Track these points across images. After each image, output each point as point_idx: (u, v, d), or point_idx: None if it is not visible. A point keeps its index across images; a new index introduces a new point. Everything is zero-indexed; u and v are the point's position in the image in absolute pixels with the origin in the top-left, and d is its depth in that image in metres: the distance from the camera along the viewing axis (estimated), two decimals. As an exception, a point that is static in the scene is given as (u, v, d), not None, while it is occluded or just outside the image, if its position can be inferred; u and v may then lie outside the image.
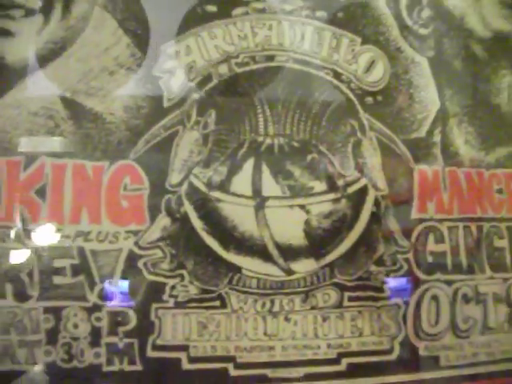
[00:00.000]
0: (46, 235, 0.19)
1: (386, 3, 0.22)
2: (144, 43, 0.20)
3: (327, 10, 0.21)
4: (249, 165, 0.19)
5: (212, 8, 0.21)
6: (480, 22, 0.23)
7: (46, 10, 0.21)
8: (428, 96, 0.21)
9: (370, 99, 0.20)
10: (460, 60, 0.22)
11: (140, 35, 0.20)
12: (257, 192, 0.19)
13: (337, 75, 0.20)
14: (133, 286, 0.18)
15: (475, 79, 0.23)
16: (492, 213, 0.21)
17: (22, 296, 0.18)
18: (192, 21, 0.20)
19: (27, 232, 0.19)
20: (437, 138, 0.21)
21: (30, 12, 0.21)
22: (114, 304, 0.18)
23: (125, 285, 0.18)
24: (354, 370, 0.18)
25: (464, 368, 0.20)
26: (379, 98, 0.20)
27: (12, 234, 0.18)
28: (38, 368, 0.17)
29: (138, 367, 0.18)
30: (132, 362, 0.18)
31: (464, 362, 0.20)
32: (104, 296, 0.18)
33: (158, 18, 0.20)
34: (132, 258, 0.18)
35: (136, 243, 0.18)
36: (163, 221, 0.18)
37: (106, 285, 0.18)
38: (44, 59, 0.20)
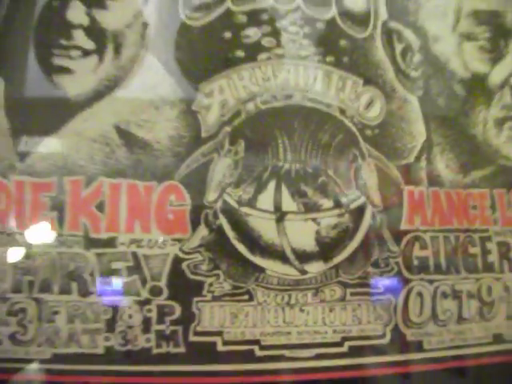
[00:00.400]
0: (104, 242, 0.23)
1: (384, 50, 0.27)
2: (184, 83, 0.25)
3: (335, 55, 0.26)
4: (271, 186, 0.24)
5: (240, 53, 0.26)
6: (461, 65, 0.29)
7: (100, 52, 0.25)
8: (417, 129, 0.27)
9: (369, 132, 0.26)
10: (444, 98, 0.28)
11: (181, 76, 0.25)
12: (278, 208, 0.24)
13: (342, 111, 0.26)
14: (177, 283, 0.23)
15: (456, 114, 0.28)
16: (467, 225, 0.27)
17: (84, 292, 0.23)
18: (224, 64, 0.25)
19: (89, 240, 0.23)
20: (423, 163, 0.26)
21: (86, 53, 0.25)
22: (161, 298, 0.23)
23: (171, 283, 0.23)
24: (354, 352, 0.24)
25: (443, 350, 0.26)
26: (377, 131, 0.26)
27: (77, 241, 0.23)
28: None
29: (182, 349, 0.23)
30: (177, 345, 0.23)
31: (443, 346, 0.26)
32: (153, 292, 0.23)
33: (195, 61, 0.25)
34: (177, 261, 0.23)
35: (180, 249, 0.23)
36: (202, 231, 0.23)
37: (155, 283, 0.23)
38: (100, 94, 0.25)
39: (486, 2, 0.30)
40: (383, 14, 0.28)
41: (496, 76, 0.29)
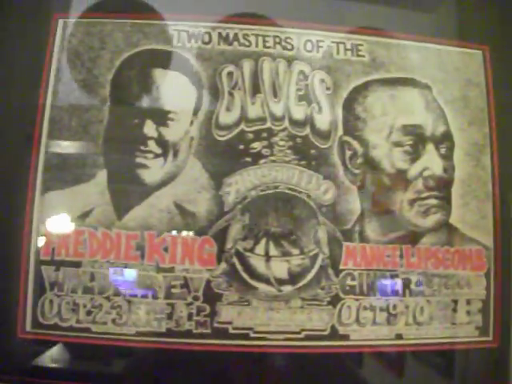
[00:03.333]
0: (167, 269, 0.54)
1: (338, 156, 0.58)
2: (214, 176, 0.55)
3: (306, 160, 0.57)
4: (263, 240, 0.55)
5: (248, 159, 0.56)
6: (389, 164, 0.59)
7: (165, 155, 0.56)
8: (355, 207, 0.57)
9: (324, 209, 0.56)
10: (374, 186, 0.58)
11: (212, 172, 0.55)
12: (266, 253, 0.55)
13: (308, 196, 0.56)
14: (208, 294, 0.53)
15: (382, 197, 0.58)
16: (382, 267, 0.57)
17: (156, 297, 0.54)
18: (238, 166, 0.55)
19: (159, 268, 0.54)
20: (357, 228, 0.57)
21: (156, 155, 0.56)
22: (199, 302, 0.54)
23: (204, 294, 0.54)
24: (308, 338, 0.55)
25: (362, 341, 0.57)
26: (329, 208, 0.56)
27: (151, 268, 0.54)
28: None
29: (209, 331, 0.53)
30: (206, 328, 0.53)
31: (362, 338, 0.57)
32: (195, 298, 0.54)
33: (221, 163, 0.55)
34: (208, 282, 0.54)
35: (210, 275, 0.54)
36: (223, 265, 0.54)
37: (196, 293, 0.54)
38: (165, 182, 0.55)
39: (411, 119, 0.60)
40: (340, 130, 0.59)
41: (413, 171, 0.59)
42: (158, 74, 0.57)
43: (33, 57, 0.58)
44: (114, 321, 0.54)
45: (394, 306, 0.58)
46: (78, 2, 0.59)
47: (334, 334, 0.56)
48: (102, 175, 0.55)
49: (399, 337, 0.58)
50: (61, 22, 0.58)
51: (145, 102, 0.57)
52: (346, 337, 0.56)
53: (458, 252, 0.60)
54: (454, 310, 0.59)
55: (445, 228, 0.60)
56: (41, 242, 0.55)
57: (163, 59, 0.57)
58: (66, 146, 0.56)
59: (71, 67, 0.57)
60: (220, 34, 0.58)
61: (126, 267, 0.54)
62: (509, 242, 0.62)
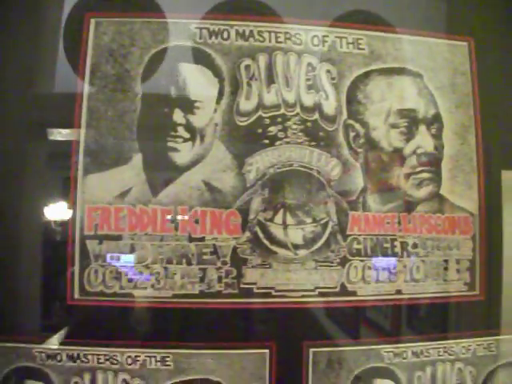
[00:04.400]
0: (198, 239, 0.62)
1: (343, 137, 0.66)
2: (237, 157, 0.63)
3: (316, 141, 0.65)
4: (281, 211, 0.63)
5: (266, 141, 0.65)
6: (387, 143, 0.68)
7: (193, 140, 0.64)
8: (358, 180, 0.66)
9: (332, 183, 0.65)
10: (375, 163, 0.67)
11: (235, 153, 0.63)
12: (284, 222, 0.64)
13: (318, 172, 0.65)
14: (234, 259, 0.62)
15: (381, 171, 0.68)
16: (383, 232, 0.67)
17: (189, 263, 0.62)
18: (258, 148, 0.64)
19: (191, 237, 0.62)
20: (360, 199, 0.66)
21: (185, 140, 0.64)
22: (227, 266, 0.62)
23: (231, 259, 0.62)
24: (321, 295, 0.64)
25: (367, 296, 0.66)
26: (336, 182, 0.65)
27: (185, 238, 0.62)
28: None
29: (236, 291, 0.62)
30: (234, 289, 0.62)
31: (367, 294, 0.66)
32: (223, 263, 0.62)
33: (243, 145, 0.64)
34: (234, 248, 0.63)
35: (236, 242, 0.63)
36: (247, 234, 0.63)
37: (224, 258, 0.62)
38: (194, 163, 0.64)
39: (406, 103, 0.69)
40: (344, 115, 0.67)
41: (408, 149, 0.69)
42: (183, 67, 0.65)
43: (70, 54, 0.65)
44: (152, 286, 0.62)
45: (394, 266, 0.67)
46: (108, 2, 0.66)
47: (343, 291, 0.65)
48: (137, 158, 0.63)
49: (399, 292, 0.67)
50: (93, 21, 0.66)
51: (173, 93, 0.65)
52: (353, 293, 0.66)
53: (448, 218, 0.70)
54: (446, 269, 0.69)
55: (436, 198, 0.69)
56: (84, 219, 0.63)
57: (187, 54, 0.65)
58: (104, 133, 0.64)
59: (105, 62, 0.65)
60: (237, 30, 0.66)
61: (162, 239, 0.63)
62: (492, 208, 0.72)
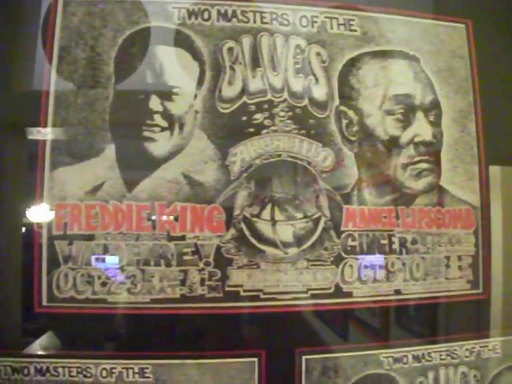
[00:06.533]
0: (178, 238, 0.57)
1: (335, 124, 0.62)
2: (220, 147, 0.58)
3: (306, 129, 0.61)
4: (269, 206, 0.58)
5: (252, 130, 0.60)
6: (383, 131, 0.63)
7: (171, 128, 0.58)
8: (352, 172, 0.62)
9: (324, 175, 0.61)
10: (370, 152, 0.63)
11: (217, 143, 0.58)
12: (272, 218, 0.58)
13: (309, 163, 0.60)
14: (218, 259, 0.57)
15: (377, 162, 0.63)
16: (380, 227, 0.62)
17: (167, 265, 0.57)
18: (242, 137, 0.59)
19: (170, 236, 0.57)
20: (355, 192, 0.61)
21: (162, 129, 0.59)
22: (210, 267, 0.57)
23: (215, 259, 0.57)
24: (314, 297, 0.59)
25: (363, 298, 0.61)
26: (328, 174, 0.61)
27: (163, 237, 0.57)
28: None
29: (221, 294, 0.57)
30: (218, 292, 0.57)
31: (363, 295, 0.62)
32: (206, 264, 0.57)
33: (226, 134, 0.59)
34: (218, 247, 0.57)
35: (220, 241, 0.57)
36: (232, 231, 0.58)
37: (207, 259, 0.57)
38: (172, 154, 0.58)
39: (402, 88, 0.65)
40: (336, 100, 0.63)
41: (405, 137, 0.64)
42: (160, 50, 0.60)
43: (35, 36, 0.59)
44: (129, 290, 0.57)
45: (392, 264, 0.63)
46: (77, -18, 0.61)
47: (338, 292, 0.61)
48: (110, 150, 0.58)
49: (398, 292, 0.63)
50: (60, 1, 0.60)
51: (149, 78, 0.59)
52: (349, 294, 0.61)
53: (449, 212, 0.65)
54: (447, 266, 0.64)
55: (436, 190, 0.65)
56: (52, 217, 0.58)
57: (165, 36, 0.60)
58: (73, 123, 0.58)
59: (74, 46, 0.59)
60: (219, 10, 0.61)
61: (138, 238, 0.58)
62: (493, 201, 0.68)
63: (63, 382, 0.55)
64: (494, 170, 0.68)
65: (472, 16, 0.70)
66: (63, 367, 0.55)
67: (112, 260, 0.57)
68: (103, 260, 0.57)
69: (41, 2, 0.61)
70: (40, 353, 0.56)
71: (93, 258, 0.57)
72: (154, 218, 0.57)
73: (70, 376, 0.55)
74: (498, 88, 0.69)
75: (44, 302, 0.56)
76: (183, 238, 0.58)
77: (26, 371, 0.55)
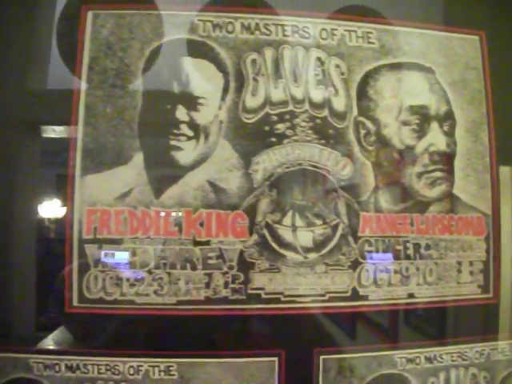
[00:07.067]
0: (203, 243, 0.60)
1: (353, 134, 0.64)
2: (243, 156, 0.61)
3: (325, 139, 0.63)
4: (290, 212, 0.61)
5: (274, 139, 0.62)
6: (399, 141, 0.66)
7: (197, 138, 0.61)
8: (369, 180, 0.64)
9: (342, 183, 0.63)
10: (386, 161, 0.65)
11: (241, 152, 0.61)
12: (293, 224, 0.61)
13: (328, 172, 0.63)
14: (241, 263, 0.60)
15: (392, 170, 0.66)
16: (395, 233, 0.65)
17: (193, 268, 0.59)
18: (265, 146, 0.61)
19: (195, 241, 0.60)
20: (372, 199, 0.64)
21: (189, 138, 0.61)
22: (234, 271, 0.60)
23: (238, 263, 0.60)
24: (332, 299, 0.62)
25: (379, 300, 0.64)
26: (347, 182, 0.63)
27: (189, 242, 0.59)
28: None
29: (244, 297, 0.60)
30: (241, 295, 0.60)
31: (379, 298, 0.64)
32: (229, 267, 0.60)
33: (249, 144, 0.61)
34: (241, 252, 0.60)
35: (243, 245, 0.60)
36: (254, 236, 0.60)
37: (230, 263, 0.60)
38: (198, 163, 0.61)
39: (417, 100, 0.67)
40: (355, 111, 0.65)
41: (420, 147, 0.67)
42: (186, 62, 0.62)
43: (66, 49, 0.62)
44: (155, 292, 0.60)
45: (407, 269, 0.65)
46: (106, -5, 0.63)
47: (354, 295, 0.63)
48: (138, 158, 0.60)
49: (411, 296, 0.66)
50: (90, 13, 0.63)
51: (175, 89, 0.62)
52: (365, 297, 0.64)
53: (461, 219, 0.68)
54: (459, 271, 0.67)
55: (449, 198, 0.68)
56: (83, 222, 0.60)
57: (190, 48, 0.63)
58: (103, 132, 0.61)
59: (103, 57, 0.62)
60: (242, 23, 0.64)
61: (165, 242, 0.60)
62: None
63: (92, 379, 0.58)
64: (504, 172, 0.70)
65: (485, 28, 0.72)
66: (92, 365, 0.58)
67: (140, 263, 0.60)
68: (131, 263, 0.60)
69: (75, 13, 0.63)
70: (71, 350, 0.59)
71: (121, 261, 0.60)
72: (180, 223, 0.60)
73: (99, 373, 0.58)
74: (511, 99, 0.72)
75: (75, 303, 0.59)
76: (208, 242, 0.60)
77: (57, 368, 0.58)
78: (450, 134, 0.68)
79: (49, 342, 0.60)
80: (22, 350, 0.59)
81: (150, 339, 0.61)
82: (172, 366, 0.59)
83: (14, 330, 0.60)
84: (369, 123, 0.66)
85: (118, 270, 0.60)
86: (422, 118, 0.67)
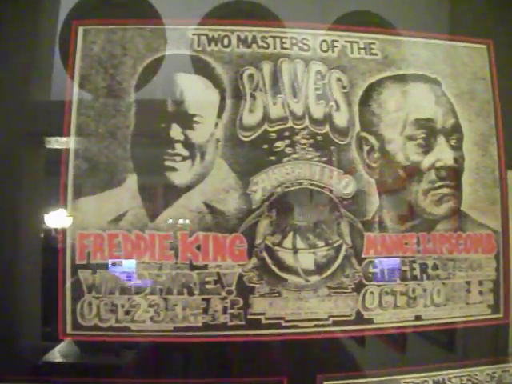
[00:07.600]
0: (201, 267, 0.57)
1: (356, 151, 0.62)
2: (241, 176, 0.58)
3: (327, 156, 0.60)
4: (290, 234, 0.59)
5: (273, 158, 0.59)
6: (404, 157, 0.63)
7: (192, 158, 0.59)
8: (373, 199, 0.61)
9: (345, 202, 0.61)
10: (391, 178, 0.62)
11: (239, 172, 0.58)
12: (294, 246, 0.59)
13: (330, 191, 0.60)
14: (240, 288, 0.57)
15: (398, 187, 0.63)
16: (401, 254, 0.62)
17: (190, 293, 0.57)
18: (263, 165, 0.59)
19: (192, 265, 0.57)
20: (376, 219, 0.61)
21: (184, 158, 0.59)
22: (232, 295, 0.58)
23: (237, 288, 0.57)
24: (335, 323, 0.60)
25: (385, 324, 0.62)
26: (350, 201, 0.61)
27: (185, 266, 0.57)
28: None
29: (243, 322, 0.57)
30: (241, 320, 0.57)
31: (384, 321, 0.62)
32: (228, 292, 0.57)
33: (247, 163, 0.59)
34: (240, 276, 0.58)
35: (242, 269, 0.58)
36: (254, 260, 0.58)
37: (229, 287, 0.57)
38: (194, 184, 0.58)
39: (423, 113, 0.64)
40: (357, 127, 0.63)
41: (426, 163, 0.64)
42: (180, 78, 0.60)
43: (55, 65, 0.60)
44: (152, 318, 0.58)
45: (413, 290, 0.63)
46: (97, 9, 0.61)
47: (359, 319, 0.61)
48: (132, 179, 0.58)
49: (418, 318, 0.63)
50: (81, 29, 0.60)
51: (170, 106, 0.60)
52: (370, 321, 0.61)
53: (470, 237, 0.65)
54: (468, 291, 0.64)
55: (457, 215, 0.65)
56: (76, 246, 0.58)
57: (185, 63, 0.60)
58: (95, 152, 0.59)
59: (95, 74, 0.60)
60: (239, 36, 0.61)
61: (160, 267, 0.58)
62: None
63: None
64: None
65: (493, 36, 0.69)
66: (88, 394, 0.57)
67: (135, 289, 0.58)
68: (126, 289, 0.58)
69: (67, 29, 0.61)
70: (64, 379, 0.58)
71: (116, 286, 0.58)
72: (176, 247, 0.58)
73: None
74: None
75: (68, 330, 0.57)
76: (205, 267, 0.58)
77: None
78: (457, 148, 0.65)
79: (43, 371, 0.58)
80: (15, 379, 0.57)
81: (147, 367, 0.59)
82: (170, 395, 0.57)
83: (7, 359, 0.58)
84: (372, 139, 0.63)
85: (113, 296, 0.58)
86: (428, 132, 0.64)
